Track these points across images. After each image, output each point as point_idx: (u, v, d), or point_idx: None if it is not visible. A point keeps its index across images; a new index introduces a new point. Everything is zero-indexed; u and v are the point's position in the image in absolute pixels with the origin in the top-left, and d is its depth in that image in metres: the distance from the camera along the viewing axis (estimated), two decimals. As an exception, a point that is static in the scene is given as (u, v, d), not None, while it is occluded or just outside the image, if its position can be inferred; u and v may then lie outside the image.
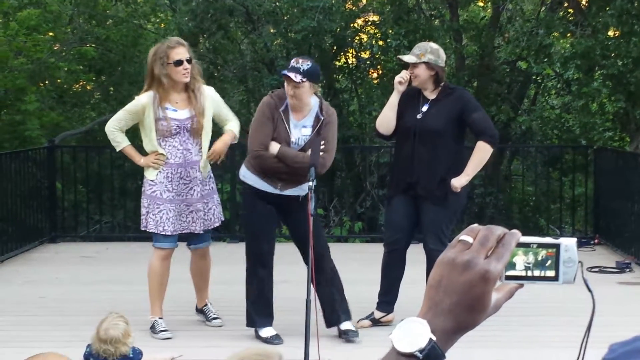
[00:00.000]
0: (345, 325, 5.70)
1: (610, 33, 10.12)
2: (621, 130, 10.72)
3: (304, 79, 5.48)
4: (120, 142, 5.94)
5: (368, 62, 13.25)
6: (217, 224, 6.04)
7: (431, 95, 5.88)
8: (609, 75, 9.48)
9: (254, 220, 5.71)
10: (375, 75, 13.58)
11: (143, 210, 5.87)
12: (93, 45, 13.80)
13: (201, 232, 5.90)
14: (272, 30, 12.38)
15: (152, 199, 5.81)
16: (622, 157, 9.81)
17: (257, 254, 5.70)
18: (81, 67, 13.99)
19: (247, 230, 5.95)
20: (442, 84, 5.87)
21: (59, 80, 14.12)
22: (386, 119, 5.92)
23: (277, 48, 12.42)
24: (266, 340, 5.62)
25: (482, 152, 5.81)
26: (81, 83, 14.73)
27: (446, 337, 1.11)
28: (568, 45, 10.29)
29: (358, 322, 5.94)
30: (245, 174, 5.74)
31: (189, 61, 5.75)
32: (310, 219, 5.09)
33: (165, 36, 14.84)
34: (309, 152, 5.53)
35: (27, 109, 12.14)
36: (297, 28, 11.44)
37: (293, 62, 5.60)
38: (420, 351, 1.08)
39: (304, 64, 5.54)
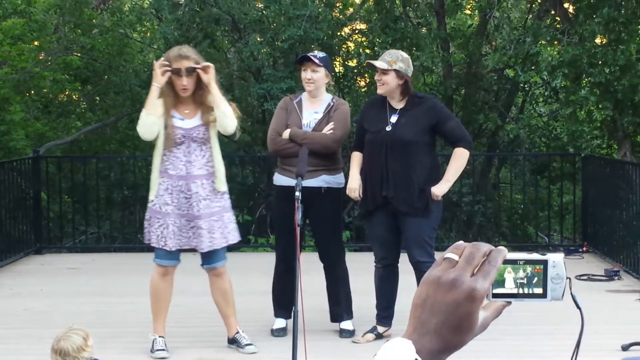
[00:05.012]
0: (344, 325, 6.09)
1: (598, 41, 10.12)
2: (609, 138, 10.71)
3: (321, 64, 5.92)
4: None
5: (355, 71, 13.21)
6: (230, 242, 5.64)
7: (398, 104, 5.78)
8: (596, 83, 9.47)
9: (278, 217, 6.12)
10: (362, 83, 13.56)
11: (145, 224, 5.64)
12: (78, 54, 13.71)
13: (206, 250, 5.54)
14: (258, 39, 12.33)
15: (153, 212, 5.57)
16: (610, 164, 9.81)
17: (278, 249, 6.13)
18: (66, 76, 13.90)
19: (274, 228, 6.58)
20: (410, 93, 5.80)
21: (44, 90, 14.03)
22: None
23: (263, 57, 12.38)
24: (271, 332, 6.05)
25: (462, 158, 5.79)
26: (66, 92, 14.64)
27: (432, 357, 1.08)
28: (555, 53, 10.28)
29: (363, 335, 5.96)
30: (275, 177, 6.09)
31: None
32: (297, 230, 5.02)
33: (151, 45, 14.85)
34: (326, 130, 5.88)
35: (12, 119, 12.05)
36: (283, 37, 11.40)
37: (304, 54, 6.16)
38: None
39: (318, 53, 6.07)
